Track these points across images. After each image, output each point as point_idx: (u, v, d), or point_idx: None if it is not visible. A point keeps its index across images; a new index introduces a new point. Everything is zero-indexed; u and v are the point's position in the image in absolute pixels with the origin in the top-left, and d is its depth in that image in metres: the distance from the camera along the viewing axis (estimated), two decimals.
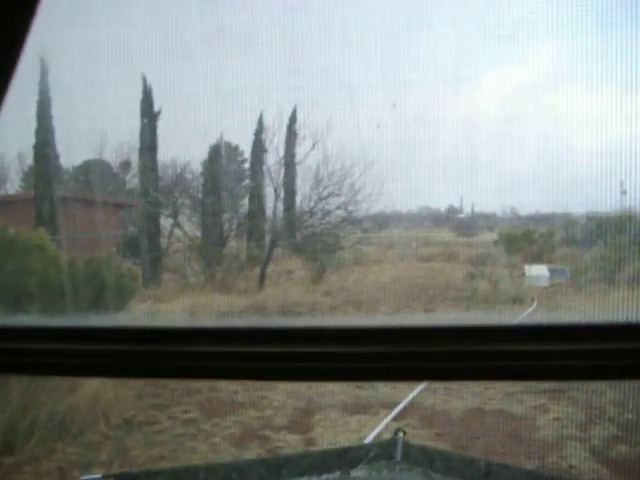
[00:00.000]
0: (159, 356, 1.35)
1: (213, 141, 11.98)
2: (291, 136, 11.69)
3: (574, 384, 7.70)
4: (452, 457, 2.71)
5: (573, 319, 1.25)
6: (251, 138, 12.23)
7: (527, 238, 13.07)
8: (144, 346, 1.34)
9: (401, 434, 2.75)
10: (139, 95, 11.20)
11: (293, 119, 11.55)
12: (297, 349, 1.27)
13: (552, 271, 11.55)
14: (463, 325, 1.24)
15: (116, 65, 7.91)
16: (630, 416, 7.12)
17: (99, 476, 2.48)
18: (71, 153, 11.87)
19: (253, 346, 1.29)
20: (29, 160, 13.13)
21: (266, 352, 1.28)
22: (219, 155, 12.80)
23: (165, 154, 12.13)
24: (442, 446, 6.43)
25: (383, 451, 2.65)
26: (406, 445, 2.67)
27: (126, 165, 14.15)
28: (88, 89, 8.50)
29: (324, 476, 2.54)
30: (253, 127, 11.84)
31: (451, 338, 1.24)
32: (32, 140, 11.06)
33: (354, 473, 2.54)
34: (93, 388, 7.07)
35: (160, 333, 1.36)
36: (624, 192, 8.79)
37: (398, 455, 2.57)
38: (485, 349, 1.21)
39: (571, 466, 6.27)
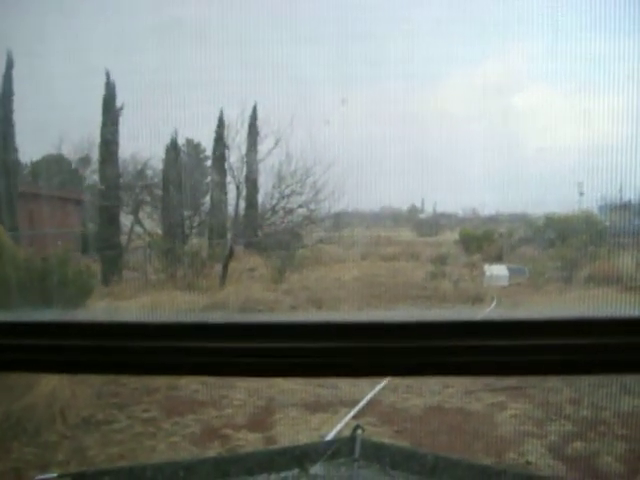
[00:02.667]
0: (116, 351, 1.33)
1: (174, 137, 11.88)
2: (253, 133, 11.65)
3: (532, 382, 7.83)
4: (411, 454, 2.73)
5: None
6: (213, 135, 12.16)
7: (487, 238, 13.22)
8: (101, 341, 1.32)
9: (359, 431, 2.75)
10: (100, 89, 11.04)
11: (254, 116, 11.52)
12: (257, 344, 1.27)
13: (511, 270, 11.71)
14: (425, 321, 1.25)
15: (71, 58, 7.80)
16: (586, 413, 7.26)
17: (55, 475, 2.44)
18: (30, 147, 11.67)
19: (214, 341, 1.29)
20: None
21: (227, 347, 1.28)
22: (180, 151, 12.70)
23: (125, 150, 11.99)
24: (402, 443, 6.48)
25: (341, 448, 2.65)
26: (365, 442, 2.67)
27: (86, 160, 13.94)
28: (43, 81, 8.38)
29: (282, 473, 2.54)
30: (214, 123, 11.77)
31: (415, 334, 1.24)
32: None
33: (312, 470, 2.54)
34: (50, 386, 6.96)
35: (116, 328, 1.34)
36: (582, 193, 8.96)
37: (356, 452, 2.58)
38: (448, 344, 1.22)
39: (528, 462, 6.37)
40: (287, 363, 1.29)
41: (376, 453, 2.65)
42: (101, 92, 10.88)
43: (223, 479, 2.47)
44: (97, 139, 12.06)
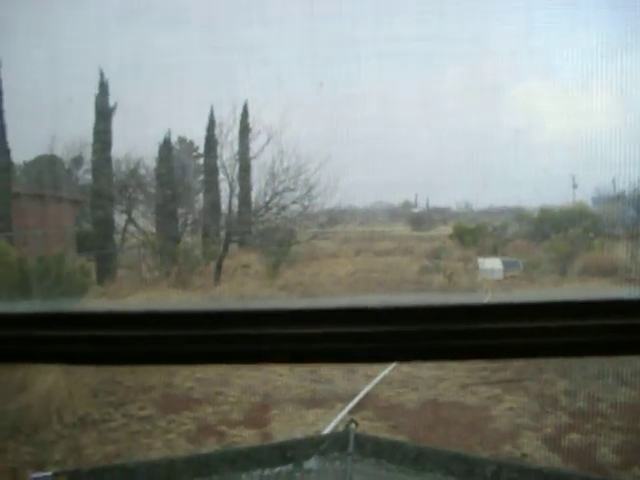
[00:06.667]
0: (120, 341, 1.33)
1: (167, 136, 11.89)
2: (244, 130, 11.66)
3: (527, 374, 7.84)
4: (406, 447, 2.72)
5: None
6: (204, 133, 12.18)
7: (481, 232, 13.23)
8: (98, 332, 1.32)
9: (353, 425, 2.75)
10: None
11: (245, 113, 11.53)
12: (258, 331, 1.27)
13: (505, 264, 11.71)
14: (423, 304, 1.24)
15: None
16: (581, 405, 7.27)
17: (50, 474, 2.42)
18: (22, 149, 11.64)
19: (221, 329, 1.28)
20: None
21: (227, 335, 1.27)
22: (173, 150, 12.71)
23: (119, 150, 11.99)
24: (398, 438, 6.48)
25: (335, 443, 2.64)
26: (358, 436, 2.66)
27: (78, 161, 13.93)
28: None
29: (277, 469, 2.53)
30: (206, 121, 11.78)
31: (416, 318, 1.24)
32: None
33: (307, 465, 2.53)
34: (46, 386, 6.94)
35: (113, 317, 1.33)
36: (575, 186, 8.99)
37: (350, 446, 2.57)
38: (451, 328, 1.22)
39: (524, 455, 6.37)
40: (289, 349, 1.29)
41: (370, 447, 2.64)
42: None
43: (217, 475, 2.47)
44: (90, 139, 12.07)
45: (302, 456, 2.55)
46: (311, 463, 2.53)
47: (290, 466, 2.52)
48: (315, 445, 2.61)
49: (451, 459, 2.58)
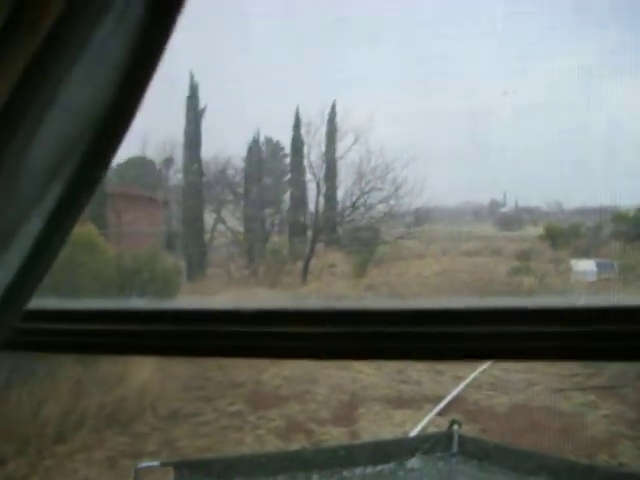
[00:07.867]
0: (201, 336, 1.38)
1: (254, 137, 12.06)
2: (332, 130, 11.70)
3: (624, 380, 7.57)
4: (509, 450, 2.67)
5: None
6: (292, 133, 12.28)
7: (573, 232, 12.80)
8: (186, 326, 1.38)
9: (456, 426, 2.72)
10: (183, 90, 11.31)
11: (333, 113, 11.56)
12: (347, 329, 1.28)
13: (599, 265, 11.27)
14: (497, 307, 1.24)
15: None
16: None
17: (157, 463, 2.50)
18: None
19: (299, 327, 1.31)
20: None
21: (310, 332, 1.30)
22: (260, 150, 12.87)
23: (208, 150, 12.23)
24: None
25: (438, 443, 2.62)
26: (462, 437, 2.64)
27: (169, 161, 14.30)
28: None
29: (379, 467, 2.52)
30: (293, 121, 11.89)
31: (489, 319, 1.24)
32: None
33: (409, 464, 2.52)
34: (141, 380, 7.17)
35: (203, 314, 1.39)
36: None
37: (454, 447, 2.54)
38: (548, 330, 1.21)
39: (621, 464, 6.15)
40: (373, 348, 1.30)
41: (473, 448, 2.60)
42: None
43: (321, 471, 2.48)
44: (180, 140, 12.37)
45: (405, 455, 2.54)
46: (413, 462, 2.51)
47: (392, 464, 2.52)
48: (418, 444, 2.60)
49: (556, 463, 2.52)
